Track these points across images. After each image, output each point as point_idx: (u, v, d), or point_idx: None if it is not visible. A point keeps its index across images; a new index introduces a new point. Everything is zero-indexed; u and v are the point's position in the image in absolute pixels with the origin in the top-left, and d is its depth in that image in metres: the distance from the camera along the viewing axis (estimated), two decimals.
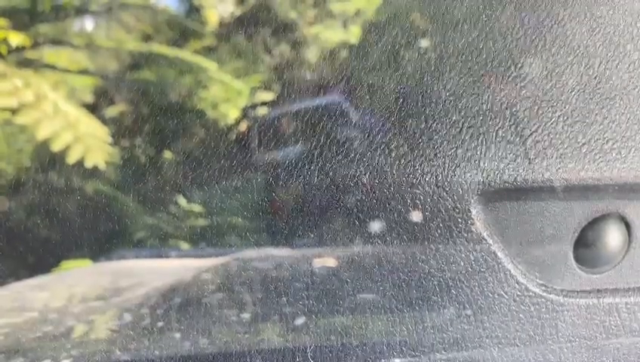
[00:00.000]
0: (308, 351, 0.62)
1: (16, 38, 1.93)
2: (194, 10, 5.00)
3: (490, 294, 0.72)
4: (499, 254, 0.74)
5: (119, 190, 2.16)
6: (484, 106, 0.82)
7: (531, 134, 0.74)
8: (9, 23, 2.02)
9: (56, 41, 2.41)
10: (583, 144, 0.71)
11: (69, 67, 2.76)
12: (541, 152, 0.73)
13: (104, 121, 2.63)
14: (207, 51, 4.51)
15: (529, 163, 0.73)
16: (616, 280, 0.72)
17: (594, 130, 0.71)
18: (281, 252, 1.04)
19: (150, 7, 4.18)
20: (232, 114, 4.03)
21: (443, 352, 0.69)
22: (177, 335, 0.80)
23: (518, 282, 0.72)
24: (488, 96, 0.83)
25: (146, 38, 3.89)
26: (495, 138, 0.78)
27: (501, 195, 0.75)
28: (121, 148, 2.35)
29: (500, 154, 0.76)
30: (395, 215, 0.84)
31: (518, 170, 0.74)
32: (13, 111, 1.84)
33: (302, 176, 2.81)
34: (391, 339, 0.68)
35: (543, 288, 0.71)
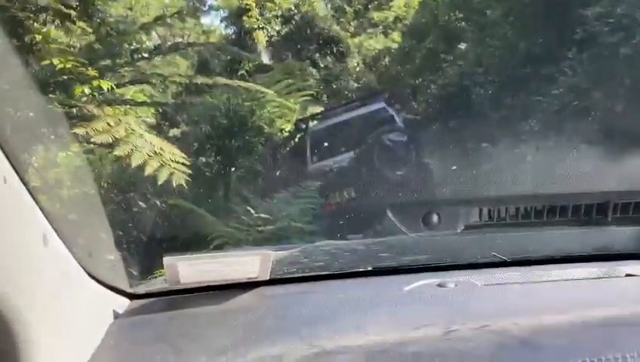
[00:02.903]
0: None
1: (106, 85, 2.32)
2: (245, 33, 5.40)
3: None
4: None
5: (198, 205, 2.50)
6: None
7: None
8: (97, 71, 2.41)
9: (136, 80, 2.80)
10: None
11: (148, 100, 3.15)
12: None
13: (179, 144, 2.98)
14: (260, 70, 4.86)
15: None
16: None
17: None
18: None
19: (209, 41, 4.57)
20: (286, 127, 4.32)
21: None
22: None
23: None
24: None
25: (208, 68, 4.25)
26: None
27: None
28: (196, 168, 2.68)
29: None
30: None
31: None
32: (110, 146, 2.21)
33: (353, 180, 3.05)
34: None
35: None
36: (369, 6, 6.03)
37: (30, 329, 0.39)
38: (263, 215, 2.47)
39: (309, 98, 4.76)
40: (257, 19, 5.90)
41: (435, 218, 0.79)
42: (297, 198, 2.79)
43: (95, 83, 2.34)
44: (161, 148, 2.19)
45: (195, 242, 2.00)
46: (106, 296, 0.56)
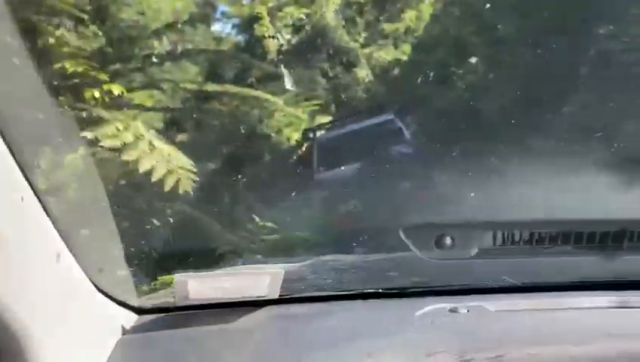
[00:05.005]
0: None
1: (117, 89, 2.32)
2: (256, 41, 5.39)
3: None
4: None
5: (204, 211, 2.49)
6: None
7: None
8: (109, 76, 2.41)
9: (147, 85, 2.80)
10: None
11: (156, 106, 3.15)
12: None
13: (186, 150, 2.99)
14: (269, 79, 4.86)
15: None
16: None
17: None
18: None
19: (220, 48, 4.57)
20: (294, 136, 4.32)
21: None
22: None
23: None
24: None
25: (218, 75, 4.26)
26: None
27: None
28: (203, 175, 2.68)
29: None
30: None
31: None
32: (118, 151, 2.21)
33: (360, 191, 3.04)
34: None
35: None
36: (380, 17, 6.04)
37: (39, 344, 0.38)
38: (268, 223, 2.46)
39: (317, 108, 4.75)
40: (268, 28, 5.91)
41: (448, 240, 0.79)
42: (303, 209, 2.78)
43: (106, 87, 2.35)
44: (169, 154, 2.19)
45: (199, 251, 1.99)
46: (113, 311, 0.56)
